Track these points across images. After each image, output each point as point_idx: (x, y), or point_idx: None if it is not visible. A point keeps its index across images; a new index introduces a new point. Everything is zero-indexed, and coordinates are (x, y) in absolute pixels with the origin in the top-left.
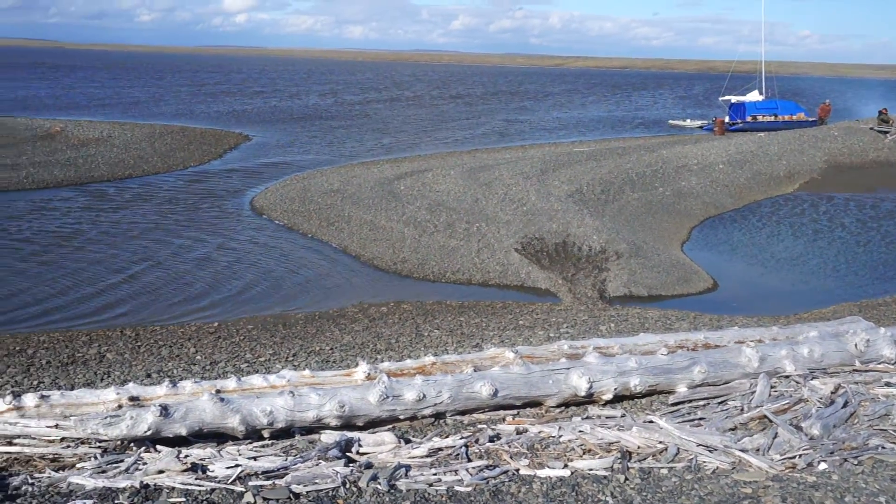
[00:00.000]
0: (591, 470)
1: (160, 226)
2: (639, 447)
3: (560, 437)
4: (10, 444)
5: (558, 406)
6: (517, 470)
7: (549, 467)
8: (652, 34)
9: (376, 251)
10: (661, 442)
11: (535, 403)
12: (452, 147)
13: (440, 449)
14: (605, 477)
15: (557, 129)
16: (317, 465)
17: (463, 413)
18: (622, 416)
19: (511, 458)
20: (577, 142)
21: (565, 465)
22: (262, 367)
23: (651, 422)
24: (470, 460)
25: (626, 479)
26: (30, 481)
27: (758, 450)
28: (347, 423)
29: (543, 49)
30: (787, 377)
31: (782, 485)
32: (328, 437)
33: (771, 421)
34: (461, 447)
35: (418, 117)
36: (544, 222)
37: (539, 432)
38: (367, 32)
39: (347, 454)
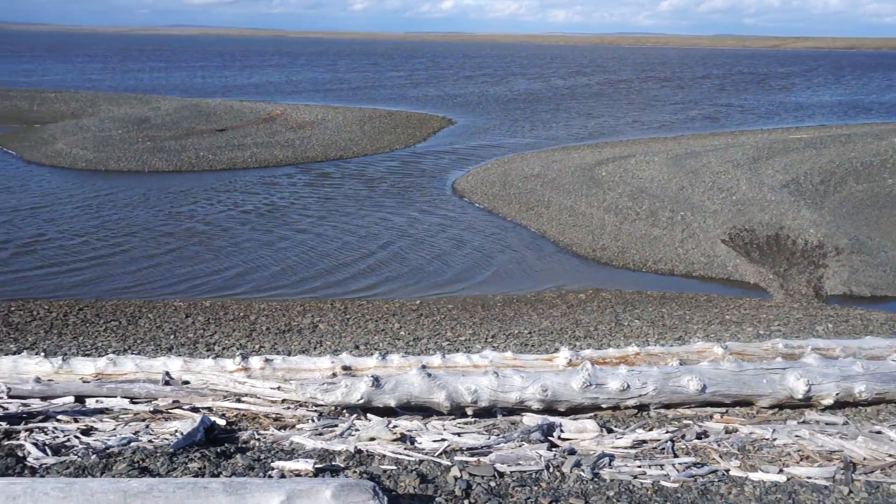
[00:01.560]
0: (809, 478)
1: (367, 206)
2: (864, 458)
3: (774, 440)
4: (238, 400)
5: (771, 407)
6: (727, 470)
7: (762, 471)
8: (884, 10)
9: (575, 237)
10: (891, 455)
11: (745, 403)
12: (658, 132)
13: (644, 441)
14: (825, 487)
15: (772, 115)
16: (519, 446)
17: (667, 406)
18: (844, 424)
19: (720, 457)
20: (794, 128)
21: (780, 471)
22: (462, 346)
23: (879, 432)
24: (676, 456)
25: (851, 491)
26: (256, 436)
27: None
28: (548, 408)
29: (758, 29)
30: None
31: None
32: (530, 419)
33: None
34: (667, 441)
35: (623, 101)
36: (755, 213)
37: (750, 433)
38: (571, 16)
39: (549, 438)
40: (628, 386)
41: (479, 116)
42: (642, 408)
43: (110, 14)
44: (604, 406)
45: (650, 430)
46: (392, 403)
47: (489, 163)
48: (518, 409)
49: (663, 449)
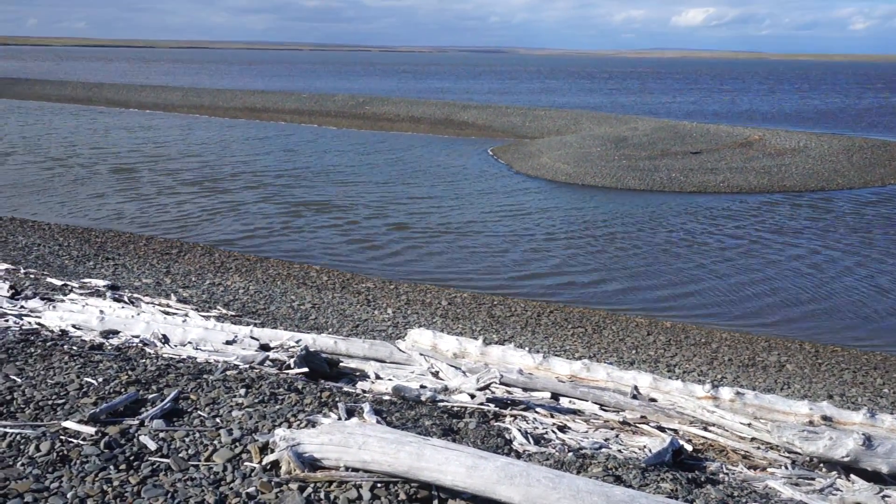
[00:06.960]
0: None
1: (849, 244)
2: None
3: None
4: (705, 429)
5: None
6: None
7: None
8: None
9: None
10: None
11: None
12: None
13: None
14: None
15: None
16: None
17: None
18: None
19: None
20: None
21: None
22: None
23: None
24: None
25: None
26: (725, 470)
27: None
28: None
29: None
30: None
31: None
32: None
33: None
34: None
35: None
36: None
37: None
38: None
39: None
40: None
41: None
42: None
43: (601, 38)
44: None
45: None
46: (883, 469)
47: None
48: None
49: None
